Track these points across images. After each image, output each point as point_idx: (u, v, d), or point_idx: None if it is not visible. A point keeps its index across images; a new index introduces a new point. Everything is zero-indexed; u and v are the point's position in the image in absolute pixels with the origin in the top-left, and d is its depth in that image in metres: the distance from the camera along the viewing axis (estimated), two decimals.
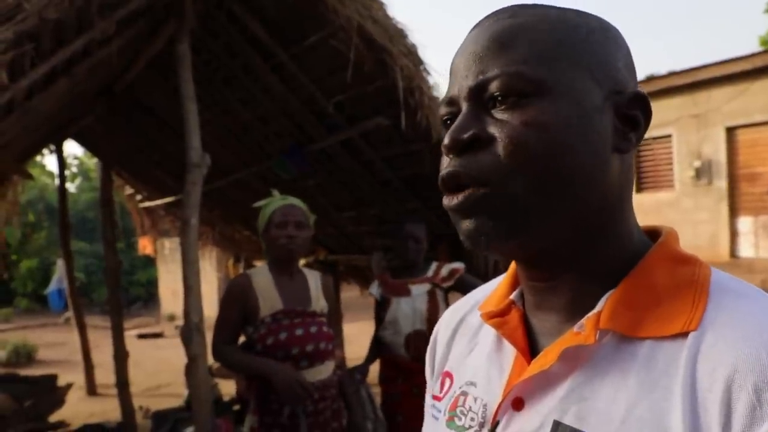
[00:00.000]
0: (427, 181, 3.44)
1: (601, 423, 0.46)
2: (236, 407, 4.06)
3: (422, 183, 3.60)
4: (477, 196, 0.49)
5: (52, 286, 14.99)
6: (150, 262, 15.43)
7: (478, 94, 0.51)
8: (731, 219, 8.79)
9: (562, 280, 0.53)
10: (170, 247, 12.67)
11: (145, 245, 12.37)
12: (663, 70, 10.75)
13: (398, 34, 2.94)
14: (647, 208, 9.25)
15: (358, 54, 2.77)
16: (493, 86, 0.50)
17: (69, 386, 4.83)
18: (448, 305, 2.38)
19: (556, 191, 0.48)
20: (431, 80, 3.04)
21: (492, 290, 0.65)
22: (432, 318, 2.59)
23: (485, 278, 3.01)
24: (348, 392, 2.27)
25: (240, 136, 4.50)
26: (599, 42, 0.51)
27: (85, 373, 6.06)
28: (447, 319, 0.71)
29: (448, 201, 0.52)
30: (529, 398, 0.52)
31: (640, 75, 8.92)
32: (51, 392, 4.58)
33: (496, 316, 0.58)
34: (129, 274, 16.05)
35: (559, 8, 0.53)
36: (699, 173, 8.92)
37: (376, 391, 2.74)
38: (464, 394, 0.59)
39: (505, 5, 0.54)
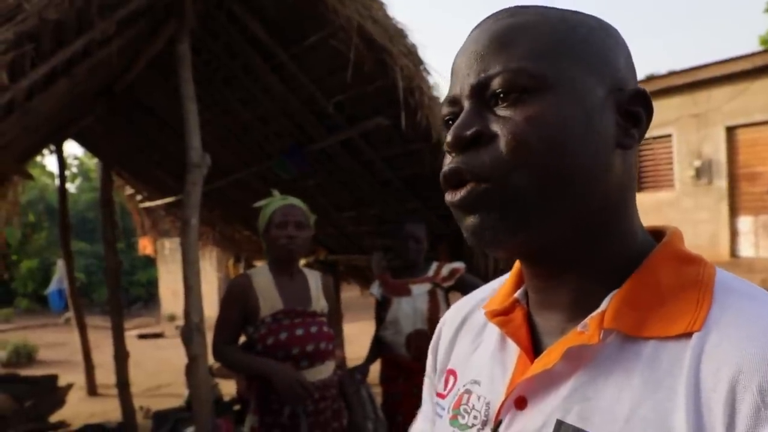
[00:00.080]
0: (427, 181, 3.44)
1: (605, 423, 0.46)
2: (237, 407, 4.06)
3: (422, 183, 3.60)
4: (479, 191, 0.49)
5: (53, 287, 14.99)
6: (150, 262, 15.43)
7: (480, 91, 0.51)
8: (731, 218, 8.78)
9: (566, 278, 0.53)
10: (170, 247, 12.66)
11: (145, 245, 12.38)
12: (663, 70, 10.76)
13: (398, 34, 2.95)
14: (647, 207, 9.25)
15: (358, 54, 2.77)
16: (495, 83, 0.50)
17: (69, 386, 4.84)
18: (448, 305, 2.38)
19: (559, 186, 0.48)
20: (431, 80, 3.04)
21: (497, 289, 0.65)
22: (433, 318, 2.60)
23: (485, 278, 3.01)
24: (348, 392, 2.27)
25: (240, 136, 4.50)
26: (599, 40, 0.52)
27: (86, 373, 6.06)
28: (451, 316, 0.71)
29: (451, 197, 0.52)
30: (532, 397, 0.52)
31: (640, 75, 8.92)
32: (51, 392, 4.58)
33: (500, 315, 0.58)
34: (129, 275, 16.06)
35: (559, 9, 0.54)
36: (699, 173, 8.92)
37: (377, 391, 2.74)
38: (468, 392, 0.60)
39: (506, 6, 0.55)
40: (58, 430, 4.36)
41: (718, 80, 8.55)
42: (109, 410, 5.21)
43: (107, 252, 4.86)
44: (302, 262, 4.01)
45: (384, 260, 4.22)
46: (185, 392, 4.52)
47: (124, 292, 13.20)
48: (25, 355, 8.14)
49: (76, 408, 5.27)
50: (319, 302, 2.20)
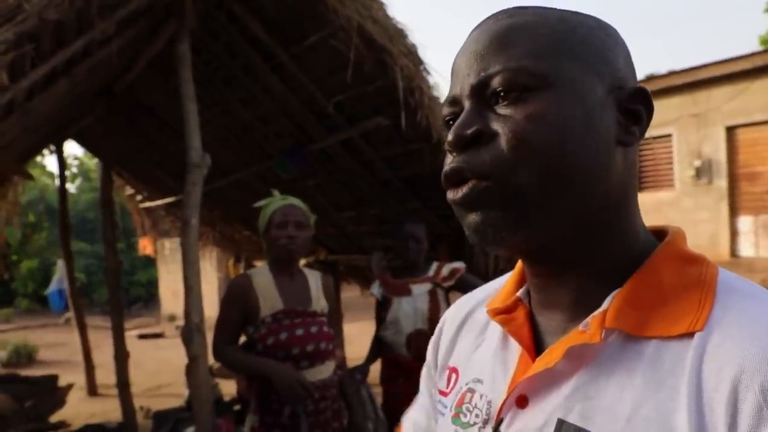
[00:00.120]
0: (427, 181, 3.44)
1: (607, 422, 0.46)
2: (237, 407, 4.06)
3: (422, 183, 3.60)
4: (480, 188, 0.49)
5: (53, 287, 14.99)
6: (150, 262, 15.43)
7: (480, 91, 0.51)
8: (731, 218, 8.78)
9: (567, 277, 0.53)
10: (170, 247, 12.66)
11: (145, 245, 12.39)
12: (663, 70, 10.75)
13: (398, 34, 2.95)
14: (647, 207, 9.24)
15: (358, 54, 2.77)
16: (496, 82, 0.50)
17: (70, 386, 4.84)
18: (449, 305, 2.38)
19: (560, 183, 0.48)
20: (431, 80, 3.04)
21: (498, 288, 0.65)
22: (433, 317, 2.60)
23: (485, 278, 3.01)
24: (348, 392, 2.27)
25: (240, 136, 4.50)
26: (599, 40, 0.52)
27: (86, 373, 6.05)
28: (453, 313, 0.71)
29: (453, 195, 0.52)
30: (534, 396, 0.52)
31: (640, 75, 8.93)
32: (52, 393, 4.58)
33: (503, 313, 0.59)
34: (129, 275, 16.05)
35: (558, 9, 0.54)
36: (699, 173, 8.92)
37: (377, 391, 2.74)
38: (471, 390, 0.60)
39: (506, 6, 0.55)
40: (58, 430, 4.36)
41: (718, 80, 8.56)
42: (110, 410, 5.21)
43: (107, 252, 4.86)
44: (302, 262, 4.02)
45: (384, 260, 4.22)
46: (185, 392, 4.52)
47: (124, 292, 13.20)
48: (25, 355, 8.13)
49: (77, 408, 5.27)
50: (319, 302, 2.20)
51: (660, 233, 0.56)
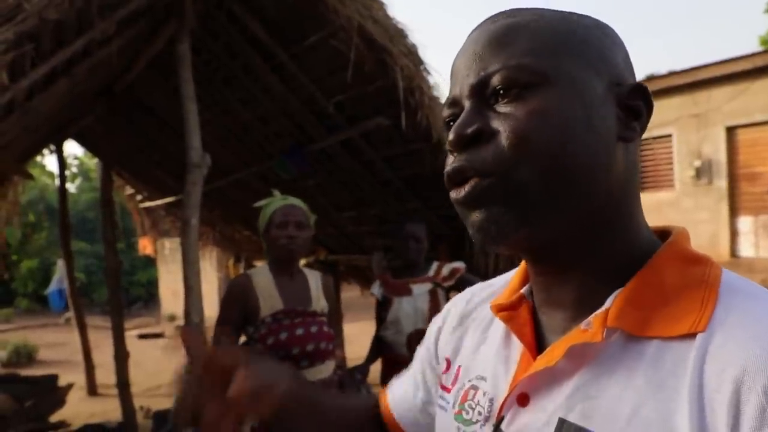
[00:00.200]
0: (427, 181, 3.44)
1: (607, 422, 0.46)
2: None
3: (422, 183, 3.60)
4: (483, 185, 0.49)
5: (53, 287, 15.00)
6: (150, 262, 15.43)
7: (480, 90, 0.51)
8: (731, 219, 8.78)
9: (569, 276, 0.53)
10: (170, 247, 12.66)
11: (145, 245, 12.39)
12: (663, 70, 10.76)
13: (398, 34, 2.95)
14: (647, 207, 8.82)
15: (358, 54, 2.77)
16: (495, 80, 0.50)
17: (70, 386, 4.83)
18: None
19: (562, 180, 0.48)
20: (431, 80, 3.04)
21: (505, 284, 0.66)
22: (433, 317, 2.59)
23: (485, 278, 3.00)
24: (349, 392, 2.27)
25: (240, 136, 4.50)
26: (597, 39, 0.52)
27: (86, 373, 6.06)
28: (457, 305, 0.72)
29: (456, 194, 0.52)
30: (535, 394, 0.52)
31: (640, 75, 8.92)
32: (52, 392, 4.58)
33: (506, 310, 0.59)
34: (129, 275, 16.06)
35: (556, 10, 0.54)
36: (699, 173, 8.92)
37: (377, 391, 2.74)
38: (474, 387, 0.60)
39: (505, 6, 0.55)
40: (58, 430, 4.36)
41: (718, 80, 8.55)
42: (109, 410, 5.21)
43: (107, 252, 4.86)
44: (302, 262, 4.02)
45: (384, 260, 4.22)
46: None
47: (124, 292, 13.19)
48: (25, 355, 8.14)
49: (76, 408, 5.27)
50: (319, 302, 2.20)
51: (664, 233, 0.56)
